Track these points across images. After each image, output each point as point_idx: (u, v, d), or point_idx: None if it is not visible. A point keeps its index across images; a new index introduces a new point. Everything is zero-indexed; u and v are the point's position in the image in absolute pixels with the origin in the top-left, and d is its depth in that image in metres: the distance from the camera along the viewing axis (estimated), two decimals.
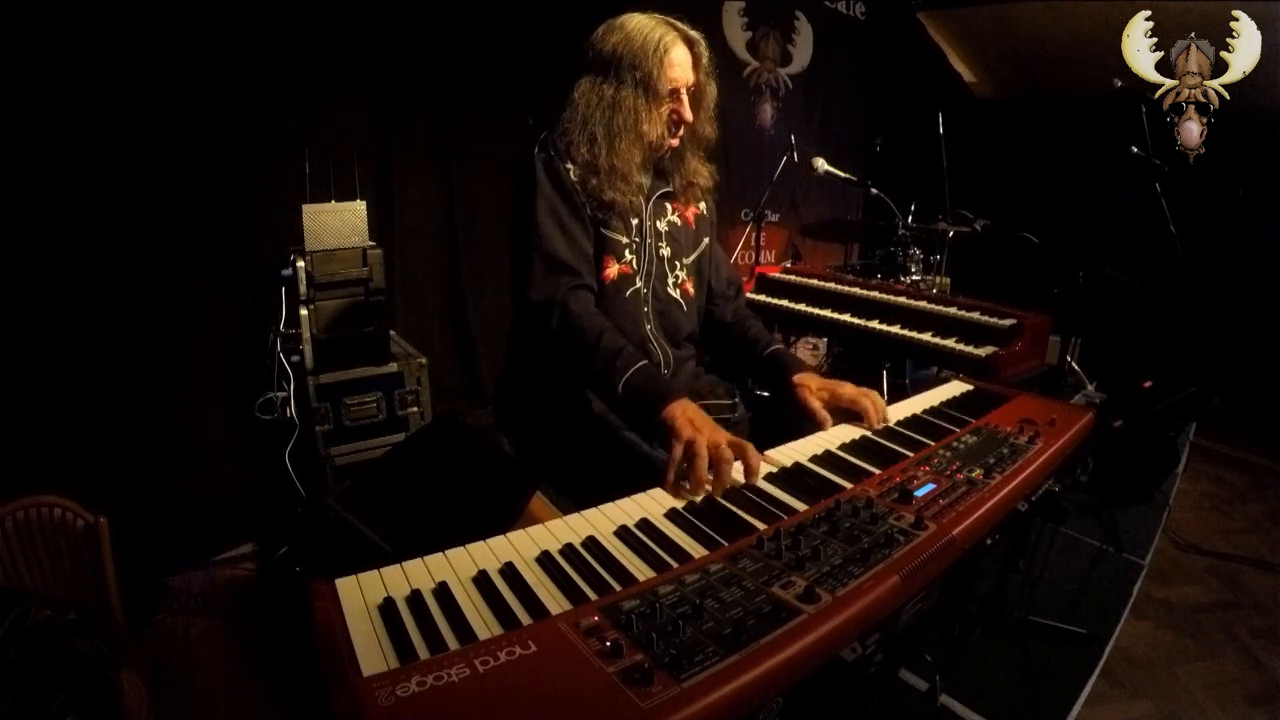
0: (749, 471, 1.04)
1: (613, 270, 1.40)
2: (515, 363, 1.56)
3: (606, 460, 1.33)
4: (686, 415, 1.13)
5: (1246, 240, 3.50)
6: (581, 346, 1.26)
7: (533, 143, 1.41)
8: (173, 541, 2.23)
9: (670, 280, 1.49)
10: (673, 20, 1.39)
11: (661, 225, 1.48)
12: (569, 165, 1.36)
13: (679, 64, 1.36)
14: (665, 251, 1.49)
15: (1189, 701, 1.80)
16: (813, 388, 1.37)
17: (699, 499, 1.01)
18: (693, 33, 1.39)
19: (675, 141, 1.43)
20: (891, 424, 1.31)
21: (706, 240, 1.58)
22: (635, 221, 1.43)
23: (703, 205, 1.57)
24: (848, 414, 1.34)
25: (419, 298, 2.99)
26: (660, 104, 1.37)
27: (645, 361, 1.25)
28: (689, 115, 1.40)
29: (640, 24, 1.37)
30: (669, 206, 1.50)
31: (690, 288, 1.53)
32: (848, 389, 1.34)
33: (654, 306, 1.47)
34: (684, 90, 1.38)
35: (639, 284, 1.44)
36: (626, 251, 1.42)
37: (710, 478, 1.03)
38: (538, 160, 1.37)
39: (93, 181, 2.08)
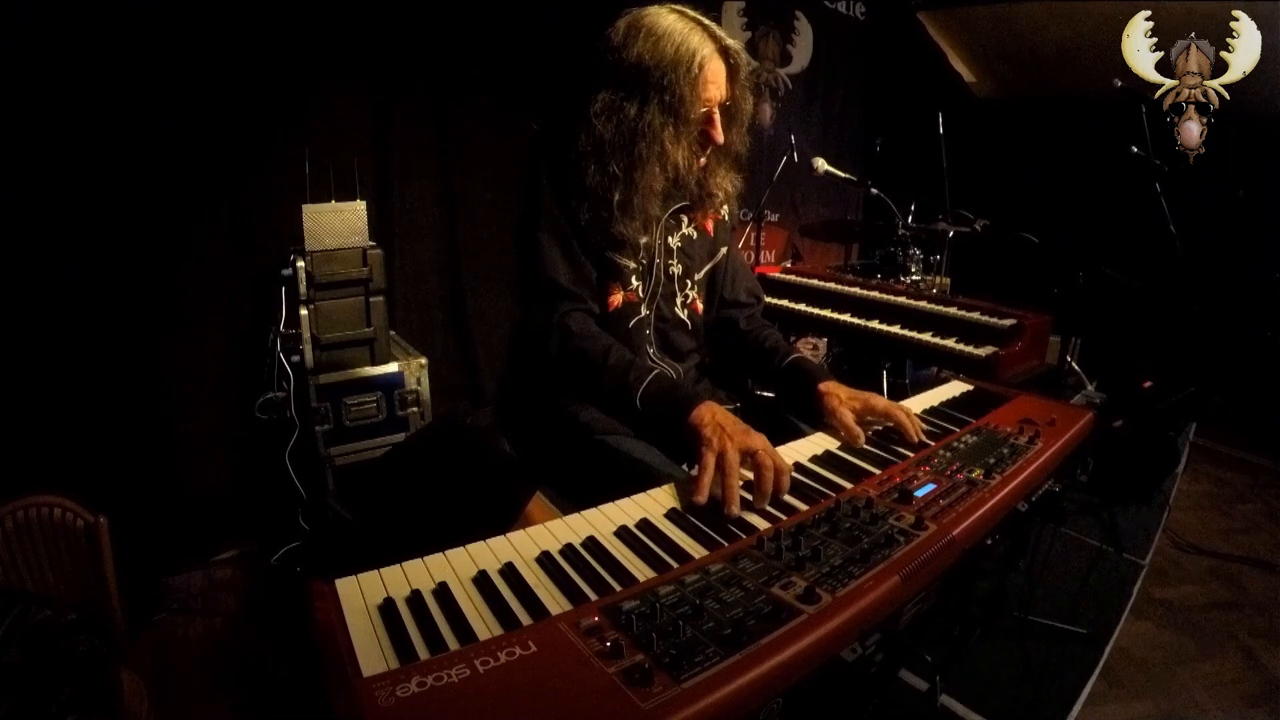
0: (777, 490, 0.97)
1: (618, 298, 1.31)
2: (512, 370, 1.53)
3: (597, 468, 1.30)
4: (715, 420, 1.04)
5: (1246, 240, 3.50)
6: (588, 366, 1.19)
7: (537, 147, 1.31)
8: (173, 541, 2.23)
9: (679, 300, 1.40)
10: (706, 23, 1.22)
11: (674, 241, 1.37)
12: (583, 192, 1.23)
13: (714, 81, 1.20)
14: (676, 270, 1.38)
15: (1189, 701, 1.80)
16: (843, 397, 1.24)
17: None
18: (730, 41, 1.23)
19: (703, 161, 1.30)
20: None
21: (724, 250, 1.48)
22: (644, 241, 1.31)
23: (724, 210, 1.46)
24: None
25: (419, 298, 2.99)
26: (691, 129, 1.22)
27: (659, 370, 1.19)
28: (720, 137, 1.26)
29: (670, 29, 1.18)
30: (684, 219, 1.39)
31: (700, 305, 1.44)
32: (880, 402, 1.23)
33: (656, 328, 1.39)
34: (716, 109, 1.24)
35: (644, 311, 1.36)
36: (633, 278, 1.32)
37: (737, 496, 0.94)
38: (543, 178, 1.26)
39: (93, 181, 2.08)
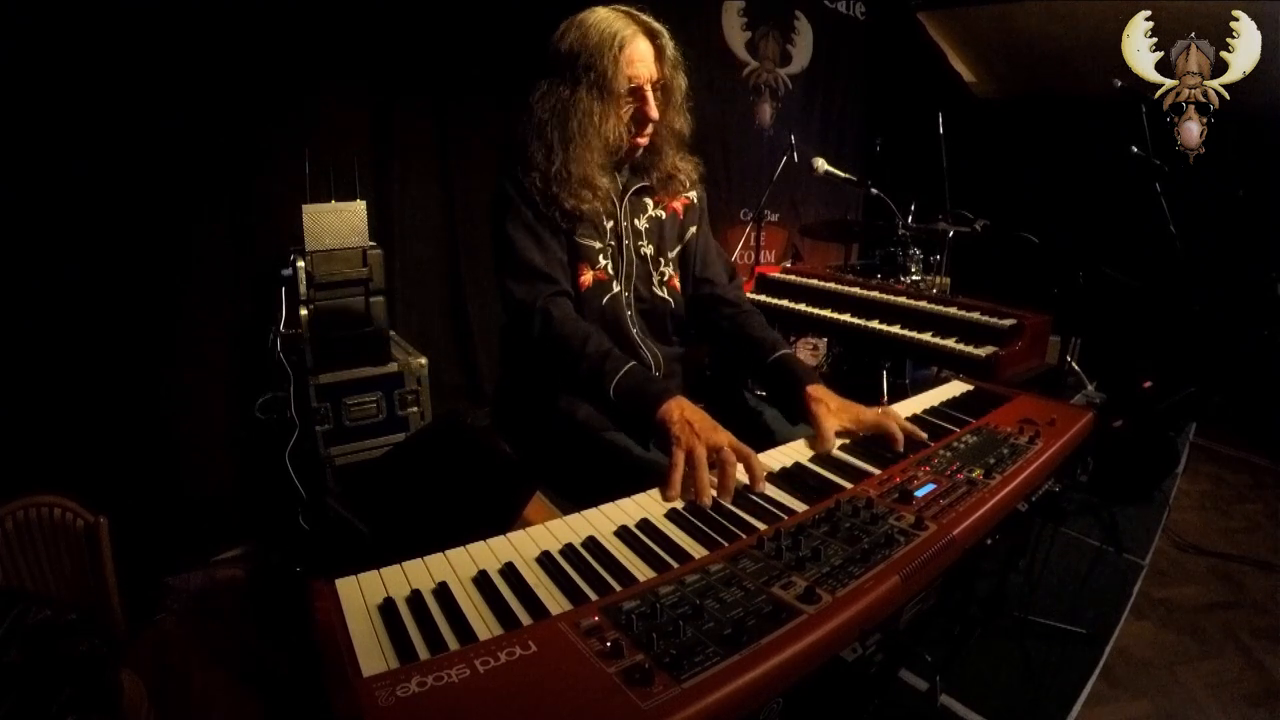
0: (753, 480, 1.02)
1: (587, 277, 1.36)
2: (505, 367, 1.55)
3: (595, 465, 1.31)
4: (684, 416, 1.08)
5: (1246, 240, 3.50)
6: (567, 353, 1.23)
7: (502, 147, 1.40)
8: (173, 541, 2.23)
9: (655, 279, 1.45)
10: (634, 12, 1.32)
11: (640, 223, 1.43)
12: (533, 174, 1.31)
13: (639, 59, 1.29)
14: (648, 250, 1.44)
15: (1189, 701, 1.80)
16: (832, 408, 1.24)
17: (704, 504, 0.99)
18: (655, 25, 1.32)
19: (643, 140, 1.37)
20: None
21: (694, 229, 1.53)
22: (610, 224, 1.38)
23: (693, 195, 1.52)
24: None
25: (419, 298, 2.99)
26: (619, 103, 1.30)
27: (634, 363, 1.21)
28: (654, 113, 1.34)
29: (598, 19, 1.30)
30: (649, 202, 1.44)
31: (677, 282, 1.49)
32: (869, 414, 1.23)
33: (638, 309, 1.43)
34: (647, 86, 1.32)
35: (617, 288, 1.40)
36: (600, 257, 1.37)
37: (712, 488, 0.99)
38: (504, 175, 1.34)
39: (93, 181, 2.08)
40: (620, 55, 1.27)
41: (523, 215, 1.32)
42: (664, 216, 1.47)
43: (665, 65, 1.34)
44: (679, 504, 0.98)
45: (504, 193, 1.34)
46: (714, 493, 0.99)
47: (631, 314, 1.42)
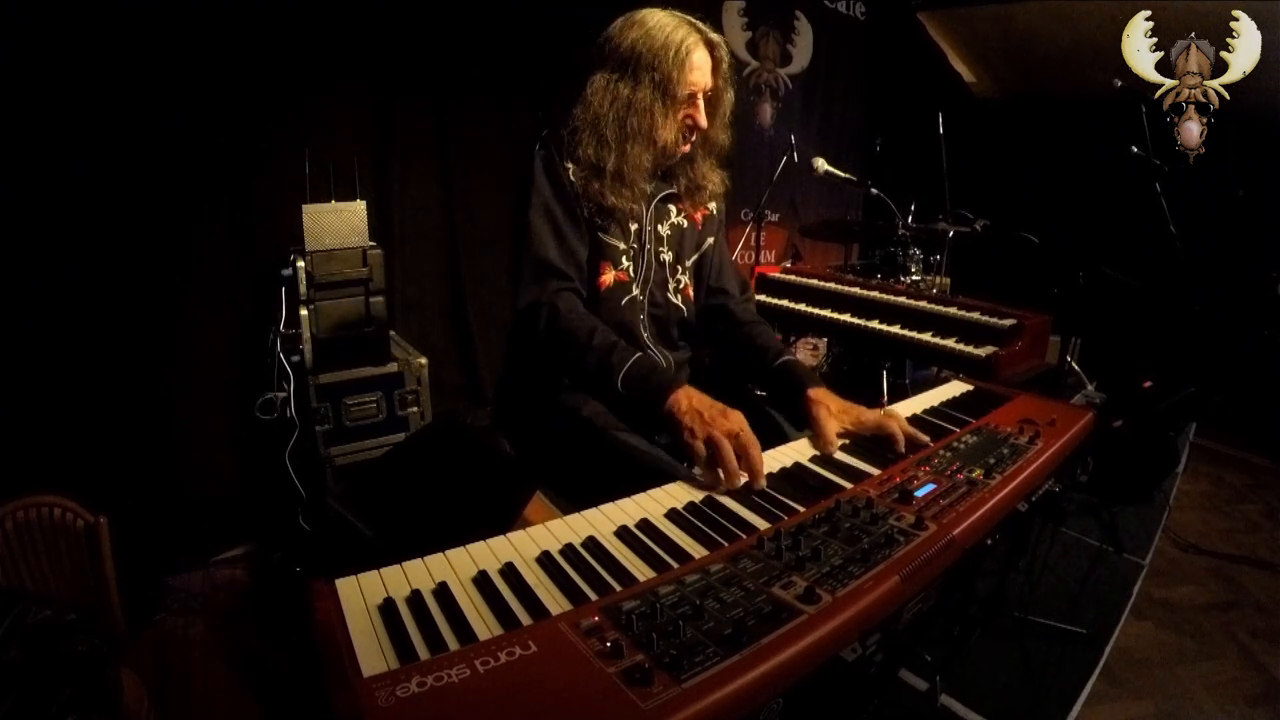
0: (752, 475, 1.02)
1: (609, 277, 1.37)
2: (510, 365, 1.55)
3: (599, 463, 1.32)
4: (692, 406, 1.10)
5: (1246, 240, 3.50)
6: (573, 346, 1.24)
7: (535, 140, 1.38)
8: (173, 541, 2.23)
9: (671, 285, 1.47)
10: (694, 20, 1.34)
11: (664, 229, 1.44)
12: (570, 165, 1.32)
13: (699, 67, 1.32)
14: (667, 256, 1.45)
15: (1189, 701, 1.80)
16: (833, 409, 1.24)
17: (722, 494, 1.00)
18: (714, 35, 1.35)
19: (686, 147, 1.39)
20: None
21: (710, 240, 1.55)
22: (635, 227, 1.39)
23: (712, 206, 1.54)
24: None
25: (419, 298, 2.99)
26: (677, 108, 1.33)
27: (641, 354, 1.23)
28: (704, 121, 1.36)
29: (661, 21, 1.32)
30: (673, 209, 1.46)
31: (691, 291, 1.52)
32: (870, 415, 1.23)
33: (650, 313, 1.44)
34: (700, 95, 1.34)
35: (635, 292, 1.41)
36: (624, 258, 1.38)
37: (740, 470, 1.01)
38: (538, 158, 1.34)
39: (93, 181, 2.07)
40: (685, 61, 1.29)
41: (548, 203, 1.32)
42: (685, 225, 1.48)
43: (719, 77, 1.37)
44: (679, 503, 0.98)
45: (534, 174, 1.34)
46: (743, 478, 1.01)
47: (644, 318, 1.43)
